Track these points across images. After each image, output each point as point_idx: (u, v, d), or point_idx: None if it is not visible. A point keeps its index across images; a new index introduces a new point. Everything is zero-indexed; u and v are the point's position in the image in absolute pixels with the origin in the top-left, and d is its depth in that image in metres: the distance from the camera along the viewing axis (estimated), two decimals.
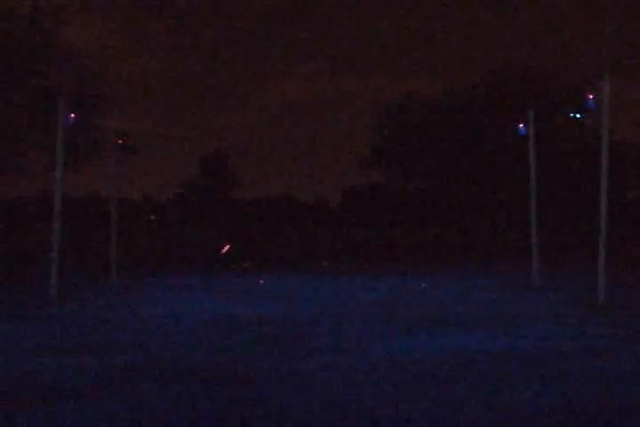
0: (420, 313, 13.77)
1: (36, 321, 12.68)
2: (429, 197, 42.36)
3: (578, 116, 17.92)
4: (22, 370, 8.28)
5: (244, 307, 15.02)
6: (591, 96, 16.84)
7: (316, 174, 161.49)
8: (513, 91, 34.40)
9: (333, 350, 9.65)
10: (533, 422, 5.94)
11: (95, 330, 11.58)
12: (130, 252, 31.32)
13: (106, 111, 26.55)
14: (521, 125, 18.81)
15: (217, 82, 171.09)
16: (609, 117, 16.31)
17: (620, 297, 15.87)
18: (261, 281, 22.18)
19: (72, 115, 17.07)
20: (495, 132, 28.39)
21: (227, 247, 27.97)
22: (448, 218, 42.98)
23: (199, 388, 7.32)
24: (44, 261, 19.80)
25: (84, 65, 25.96)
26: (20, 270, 24.72)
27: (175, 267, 28.82)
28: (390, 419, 6.11)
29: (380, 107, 42.34)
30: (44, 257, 16.92)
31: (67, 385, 7.48)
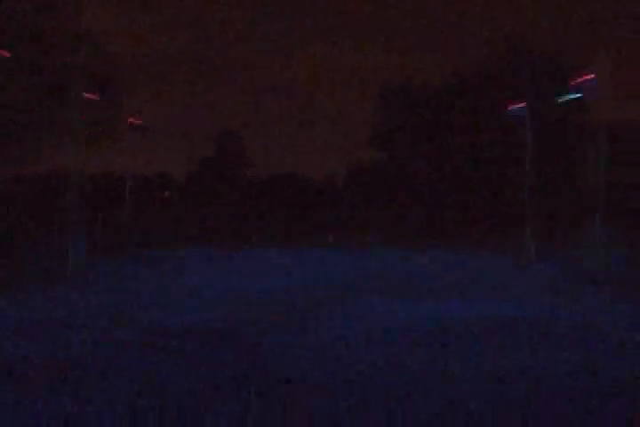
0: (417, 284, 13.98)
1: (58, 292, 13.02)
2: (429, 176, 42.60)
3: (571, 97, 17.93)
4: (50, 335, 8.47)
5: (255, 278, 15.27)
6: (583, 79, 16.89)
7: (322, 152, 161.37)
8: (511, 73, 34.57)
9: (340, 315, 9.94)
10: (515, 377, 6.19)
11: (113, 299, 11.85)
12: (145, 227, 31.83)
13: (122, 91, 26.70)
14: (514, 106, 18.72)
15: (227, 60, 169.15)
16: (598, 105, 16.40)
17: (612, 271, 15.69)
18: (271, 255, 22.33)
19: (88, 94, 17.23)
20: (493, 113, 28.58)
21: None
22: (449, 197, 43.24)
23: (217, 343, 7.63)
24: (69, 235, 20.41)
25: (102, 47, 26.05)
26: (40, 245, 25.03)
27: (188, 241, 29.24)
28: (389, 367, 6.49)
29: (382, 87, 42.32)
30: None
31: (90, 348, 7.62)
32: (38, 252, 22.74)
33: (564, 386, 5.87)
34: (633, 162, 33.74)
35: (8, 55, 14.34)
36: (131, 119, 21.73)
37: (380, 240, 31.22)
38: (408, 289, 13.20)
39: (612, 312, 10.99)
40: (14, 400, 5.34)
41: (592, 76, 16.69)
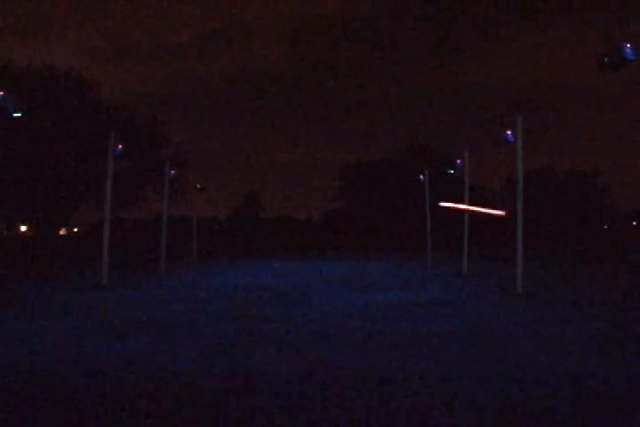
0: (367, 282, 13.85)
1: (149, 285, 13.13)
2: (373, 218, 44.98)
3: (451, 172, 18.93)
4: (140, 312, 8.69)
5: (262, 278, 15.00)
6: (459, 161, 17.80)
7: (306, 200, 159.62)
8: (418, 158, 37.79)
9: (318, 301, 10.05)
10: (432, 336, 6.62)
11: (179, 290, 12.01)
12: (204, 248, 32.68)
13: (188, 168, 27.77)
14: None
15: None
16: (468, 175, 17.34)
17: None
18: (276, 264, 22.10)
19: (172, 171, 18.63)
20: (410, 181, 30.56)
21: None
22: (388, 228, 45.34)
23: (239, 323, 7.60)
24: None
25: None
26: (137, 261, 25.09)
27: (226, 256, 29.28)
28: (354, 329, 7.08)
29: (341, 168, 45.46)
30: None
31: (166, 321, 7.73)
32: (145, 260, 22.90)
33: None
34: None
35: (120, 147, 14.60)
36: (197, 185, 23.90)
37: (344, 254, 31.31)
38: (360, 286, 13.25)
39: (465, 287, 11.70)
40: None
41: (460, 160, 17.73)
